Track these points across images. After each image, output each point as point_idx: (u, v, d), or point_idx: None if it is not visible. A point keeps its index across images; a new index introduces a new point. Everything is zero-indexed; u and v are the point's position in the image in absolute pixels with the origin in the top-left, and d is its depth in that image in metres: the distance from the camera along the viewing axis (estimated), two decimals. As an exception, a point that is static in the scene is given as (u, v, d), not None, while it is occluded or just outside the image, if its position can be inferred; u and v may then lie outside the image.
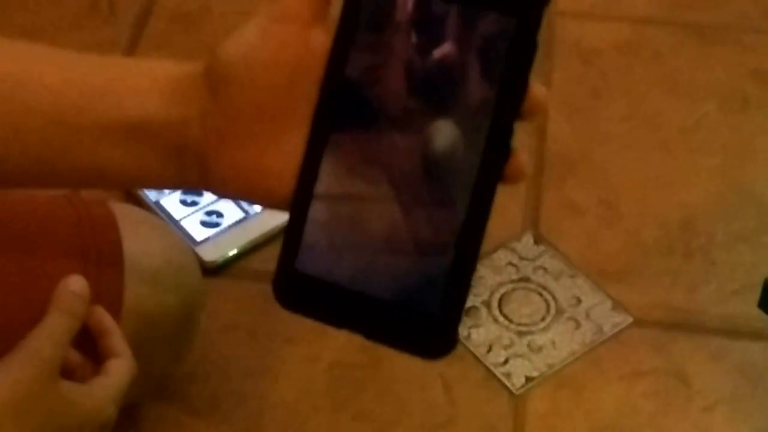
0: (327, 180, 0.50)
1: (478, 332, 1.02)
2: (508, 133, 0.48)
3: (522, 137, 1.30)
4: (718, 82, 1.24)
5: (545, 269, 1.07)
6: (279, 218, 1.05)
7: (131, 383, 0.74)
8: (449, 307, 0.48)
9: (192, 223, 1.08)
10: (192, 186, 0.56)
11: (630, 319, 1.03)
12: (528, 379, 0.99)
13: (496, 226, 1.17)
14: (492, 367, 0.99)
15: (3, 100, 0.57)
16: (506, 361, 1.00)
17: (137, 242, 0.80)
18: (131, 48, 1.27)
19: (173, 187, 0.59)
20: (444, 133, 0.48)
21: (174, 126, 0.54)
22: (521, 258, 1.08)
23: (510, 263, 1.07)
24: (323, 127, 0.50)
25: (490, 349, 1.01)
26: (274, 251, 1.16)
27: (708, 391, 0.98)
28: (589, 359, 1.00)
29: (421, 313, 0.48)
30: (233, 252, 1.06)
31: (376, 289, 0.49)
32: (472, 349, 1.01)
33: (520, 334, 1.02)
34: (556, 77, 1.24)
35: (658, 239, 1.10)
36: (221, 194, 0.56)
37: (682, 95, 1.23)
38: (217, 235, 1.07)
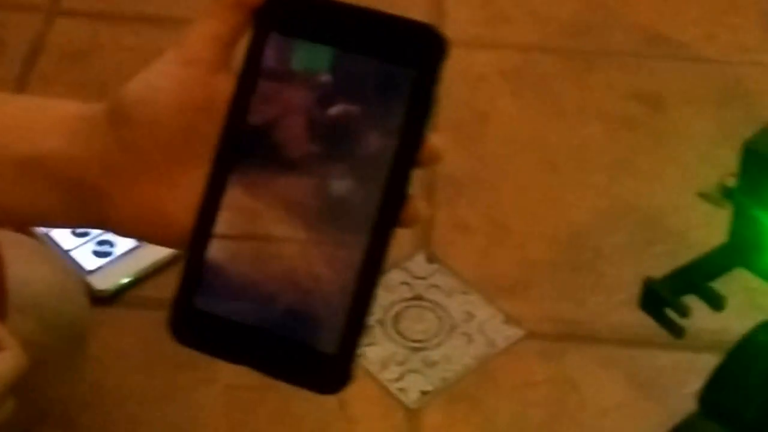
0: (226, 220, 0.51)
1: (373, 350, 1.03)
2: (405, 180, 0.49)
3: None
4: (602, 104, 1.28)
5: (438, 287, 1.08)
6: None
7: (20, 376, 0.73)
8: (345, 345, 0.49)
9: (83, 253, 1.07)
10: (90, 225, 0.56)
11: (521, 332, 1.05)
12: (423, 393, 1.00)
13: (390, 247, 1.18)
14: (387, 383, 1.00)
15: None
16: (401, 377, 1.01)
17: (20, 267, 0.80)
18: (21, 85, 1.27)
19: (71, 225, 0.58)
20: (342, 179, 0.50)
21: (74, 164, 0.54)
22: (414, 277, 1.09)
23: (404, 282, 1.09)
24: (223, 169, 0.51)
25: (385, 366, 1.02)
26: (166, 279, 1.17)
27: (598, 398, 1.00)
28: (483, 372, 1.02)
29: (317, 351, 0.49)
30: (125, 280, 1.06)
31: (273, 327, 0.50)
32: (367, 366, 1.01)
33: (415, 350, 1.03)
34: (445, 103, 1.26)
35: (547, 255, 1.12)
36: (120, 233, 0.56)
37: (567, 117, 1.26)
38: (108, 264, 1.07)
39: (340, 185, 0.50)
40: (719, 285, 0.87)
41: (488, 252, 1.12)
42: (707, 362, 0.94)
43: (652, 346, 1.03)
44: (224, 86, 0.51)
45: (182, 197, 0.52)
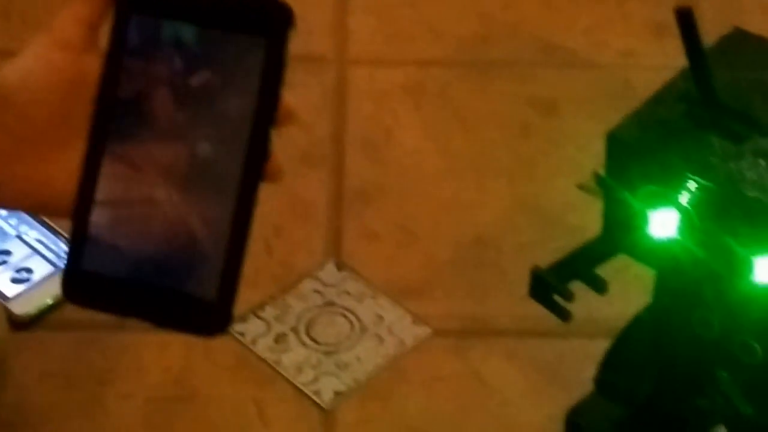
0: (105, 187, 0.56)
1: (288, 356, 1.07)
2: (266, 139, 0.55)
3: (321, 175, 1.36)
4: (500, 111, 1.34)
5: (348, 293, 1.13)
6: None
7: None
8: (224, 292, 0.54)
9: (2, 281, 1.11)
10: None
11: (429, 331, 1.10)
12: (336, 393, 1.04)
13: (300, 258, 1.23)
14: (302, 387, 1.04)
15: None
16: (315, 380, 1.05)
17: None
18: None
19: None
20: (209, 142, 0.55)
21: None
22: (325, 285, 1.14)
23: (315, 291, 1.13)
24: (99, 142, 0.56)
25: (299, 371, 1.06)
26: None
27: (504, 387, 1.05)
28: (393, 370, 1.07)
29: (199, 299, 0.55)
30: (45, 305, 1.09)
31: (157, 280, 0.55)
32: (282, 372, 1.06)
33: (328, 353, 1.08)
34: (350, 118, 1.32)
35: (452, 256, 1.17)
36: (8, 209, 0.61)
37: (468, 126, 1.32)
38: (27, 290, 1.10)
39: (207, 148, 0.56)
40: (613, 275, 0.93)
41: (395, 257, 1.17)
42: (604, 347, 0.99)
43: (553, 335, 1.09)
44: (93, 65, 0.57)
45: (64, 171, 0.57)
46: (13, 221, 1.15)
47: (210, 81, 0.55)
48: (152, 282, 0.55)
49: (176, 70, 0.55)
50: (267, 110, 0.55)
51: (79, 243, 0.56)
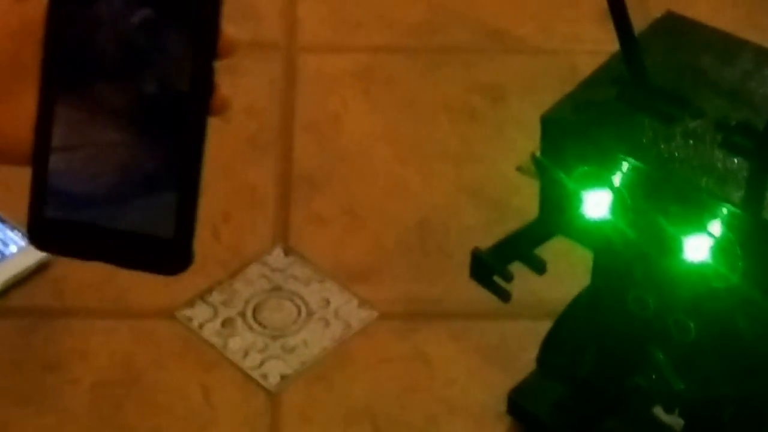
0: (61, 132, 0.57)
1: (234, 341, 1.08)
2: (210, 71, 0.56)
3: (269, 161, 1.36)
4: (447, 98, 1.35)
5: (296, 277, 1.14)
6: (33, 257, 1.09)
7: None
8: (182, 230, 0.56)
9: (-53, 268, 1.11)
10: None
11: (375, 314, 1.11)
12: (283, 377, 1.05)
13: (248, 243, 1.23)
14: (249, 371, 1.05)
15: None
16: (262, 364, 1.06)
17: None
18: None
19: None
20: (156, 80, 0.56)
21: None
22: (273, 270, 1.14)
23: (262, 276, 1.14)
24: (51, 87, 0.57)
25: (246, 355, 1.07)
26: (30, 288, 1.20)
27: (448, 368, 1.06)
28: (340, 353, 1.08)
29: (159, 239, 0.56)
30: (-10, 292, 1.10)
31: (118, 223, 0.56)
32: (229, 356, 1.06)
33: (274, 337, 1.08)
34: (299, 105, 1.33)
35: (398, 241, 1.19)
36: None
37: (415, 112, 1.33)
38: (-27, 277, 1.10)
39: (155, 85, 0.57)
40: (558, 257, 0.95)
41: (343, 242, 1.18)
42: (548, 329, 1.01)
43: (498, 317, 1.10)
44: (35, 11, 0.57)
45: (20, 119, 0.58)
46: (-41, 209, 1.15)
47: (151, 18, 0.56)
48: (113, 225, 0.56)
49: (117, 9, 0.56)
50: (208, 43, 0.56)
51: (40, 190, 0.57)
